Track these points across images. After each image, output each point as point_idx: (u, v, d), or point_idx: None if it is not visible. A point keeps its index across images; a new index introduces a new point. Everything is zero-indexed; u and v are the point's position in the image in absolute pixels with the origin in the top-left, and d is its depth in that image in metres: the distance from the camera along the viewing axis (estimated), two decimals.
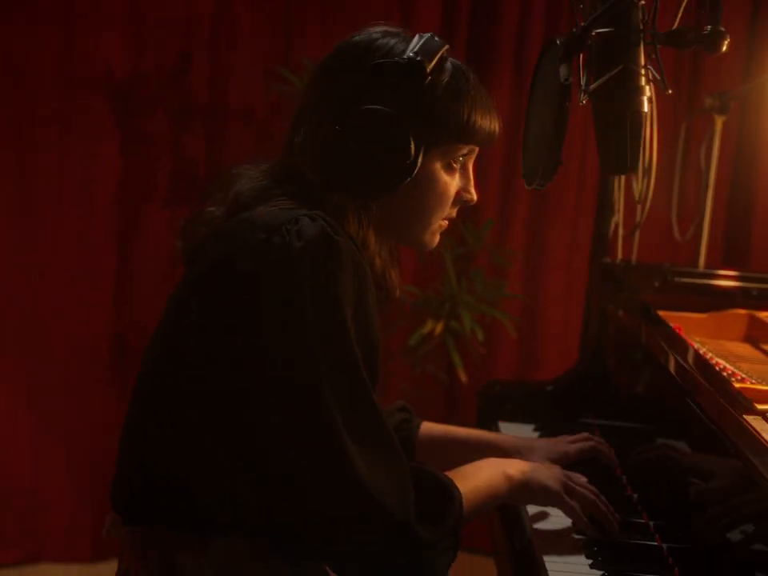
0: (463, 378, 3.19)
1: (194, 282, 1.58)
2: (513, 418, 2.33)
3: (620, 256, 2.48)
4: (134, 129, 3.38)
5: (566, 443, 1.97)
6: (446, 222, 1.68)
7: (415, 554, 1.50)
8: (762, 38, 3.48)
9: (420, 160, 1.54)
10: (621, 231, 2.46)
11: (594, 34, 1.46)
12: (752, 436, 1.51)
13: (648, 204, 2.38)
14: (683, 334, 2.25)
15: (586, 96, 1.51)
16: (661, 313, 2.30)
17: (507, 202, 3.59)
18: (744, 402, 1.66)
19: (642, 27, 1.49)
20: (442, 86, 1.57)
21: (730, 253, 3.68)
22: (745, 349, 2.30)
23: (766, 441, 1.49)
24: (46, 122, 3.30)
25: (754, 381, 1.98)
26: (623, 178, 2.44)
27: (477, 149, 1.65)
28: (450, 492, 1.57)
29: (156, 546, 1.54)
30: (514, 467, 1.72)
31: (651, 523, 1.80)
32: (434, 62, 1.55)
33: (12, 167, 3.31)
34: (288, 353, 1.46)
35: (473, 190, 1.67)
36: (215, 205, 1.65)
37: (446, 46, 1.59)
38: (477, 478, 1.66)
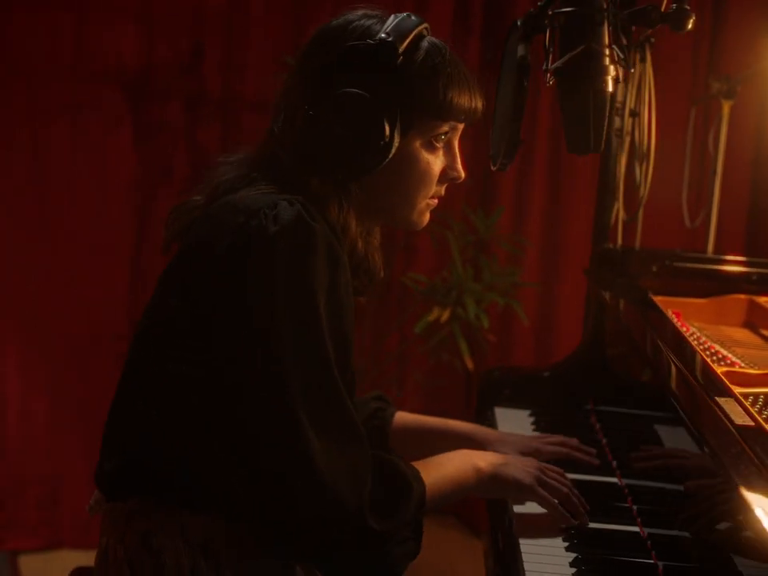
0: (470, 365, 3.18)
1: (176, 263, 1.59)
2: (510, 403, 2.31)
3: (620, 241, 2.45)
4: (147, 120, 3.41)
5: (541, 441, 1.95)
6: (435, 200, 1.67)
7: (367, 544, 1.50)
8: None
9: (396, 140, 1.54)
10: (621, 215, 2.44)
11: (554, 13, 1.46)
12: (715, 416, 1.49)
13: (647, 189, 2.36)
14: (682, 319, 2.23)
15: (552, 77, 1.50)
16: (660, 298, 2.28)
17: (522, 190, 3.58)
18: (718, 385, 1.64)
19: (606, 6, 1.48)
20: (417, 64, 1.56)
21: (751, 241, 3.63)
22: (743, 334, 2.28)
23: (731, 422, 1.47)
24: (60, 113, 3.34)
25: (744, 365, 1.96)
26: (624, 163, 2.42)
27: (460, 126, 1.64)
28: (408, 483, 1.56)
29: (136, 524, 1.56)
30: (485, 459, 1.71)
31: (635, 507, 1.79)
32: (407, 41, 1.55)
33: (27, 158, 3.35)
34: (256, 336, 1.47)
35: (459, 167, 1.65)
36: (199, 194, 1.66)
37: (423, 25, 1.59)
38: (445, 468, 1.66)
